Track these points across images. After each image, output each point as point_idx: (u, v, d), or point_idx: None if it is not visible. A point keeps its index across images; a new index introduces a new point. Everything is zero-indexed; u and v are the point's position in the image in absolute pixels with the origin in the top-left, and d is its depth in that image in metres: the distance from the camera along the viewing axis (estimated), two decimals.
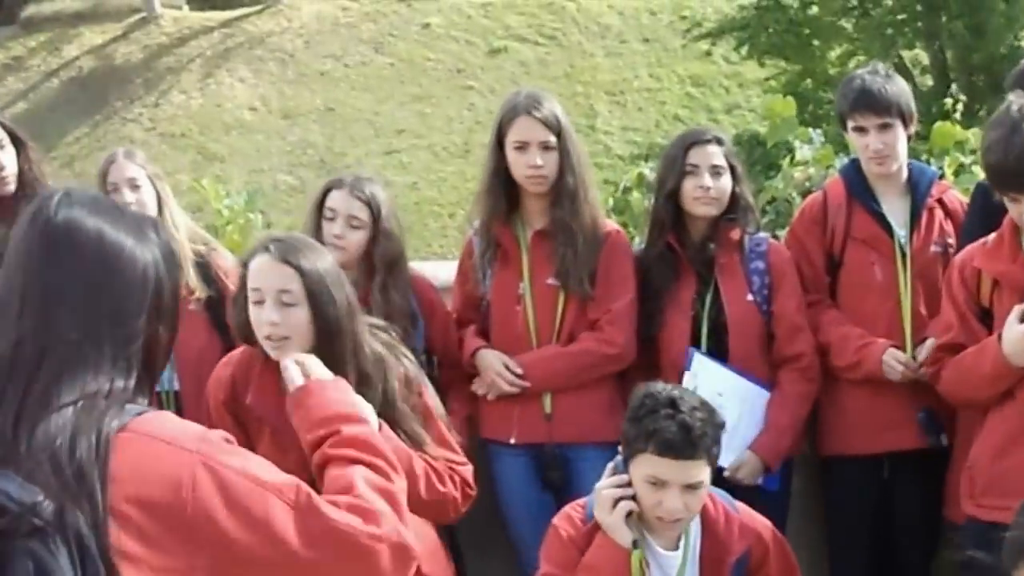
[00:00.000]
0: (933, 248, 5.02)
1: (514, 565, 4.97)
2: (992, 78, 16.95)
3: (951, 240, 5.04)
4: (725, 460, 4.61)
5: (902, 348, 4.93)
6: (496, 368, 4.95)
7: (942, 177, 5.42)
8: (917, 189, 5.07)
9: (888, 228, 5.02)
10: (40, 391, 2.17)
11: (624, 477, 3.91)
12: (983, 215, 4.85)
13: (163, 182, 5.19)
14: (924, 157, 6.57)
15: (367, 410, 2.86)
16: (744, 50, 20.59)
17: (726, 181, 4.94)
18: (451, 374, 5.06)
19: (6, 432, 2.14)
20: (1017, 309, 4.20)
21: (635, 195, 7.31)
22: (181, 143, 22.17)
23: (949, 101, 7.24)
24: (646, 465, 3.83)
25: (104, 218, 2.31)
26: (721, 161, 4.94)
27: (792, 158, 6.87)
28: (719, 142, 4.99)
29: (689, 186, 4.92)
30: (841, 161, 6.59)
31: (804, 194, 6.55)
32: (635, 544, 3.87)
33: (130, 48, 24.48)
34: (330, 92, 23.21)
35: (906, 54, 19.76)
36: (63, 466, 2.11)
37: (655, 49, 23.82)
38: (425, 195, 20.90)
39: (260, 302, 3.71)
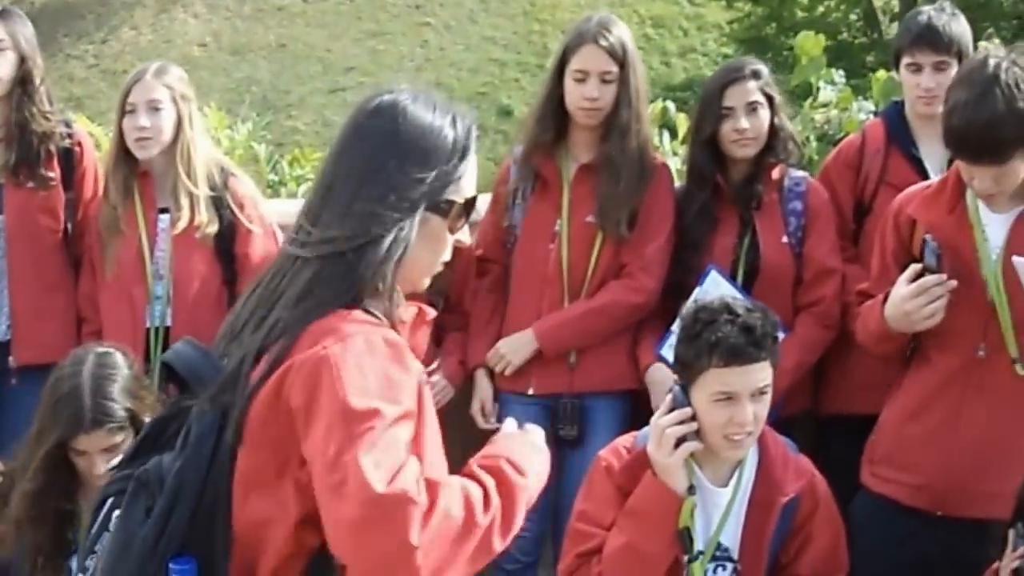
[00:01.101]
0: None
1: None
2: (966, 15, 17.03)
3: None
4: None
5: None
6: (475, 406, 4.98)
7: None
8: None
9: (925, 175, 4.86)
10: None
11: (687, 411, 3.78)
12: None
13: (191, 104, 5.02)
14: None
15: (541, 474, 2.90)
16: None
17: (764, 116, 4.86)
18: (452, 318, 5.04)
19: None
20: (911, 269, 4.09)
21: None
22: (121, 80, 21.31)
23: None
24: (714, 381, 3.75)
25: None
26: (758, 96, 4.85)
27: (814, 99, 6.71)
28: (756, 75, 4.89)
29: (727, 128, 4.84)
30: (860, 104, 6.50)
31: (820, 137, 6.47)
32: (691, 489, 3.79)
33: None
34: (284, 28, 23.13)
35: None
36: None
37: None
38: None
39: None
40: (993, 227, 4.12)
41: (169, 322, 4.92)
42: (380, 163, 2.74)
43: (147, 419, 3.53)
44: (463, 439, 3.37)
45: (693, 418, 3.79)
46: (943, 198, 4.18)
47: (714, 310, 3.80)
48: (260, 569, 2.67)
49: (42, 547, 3.80)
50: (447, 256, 2.88)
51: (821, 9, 20.49)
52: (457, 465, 2.77)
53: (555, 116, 4.87)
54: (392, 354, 2.63)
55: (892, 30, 19.58)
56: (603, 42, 4.76)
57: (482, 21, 23.29)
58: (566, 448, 4.82)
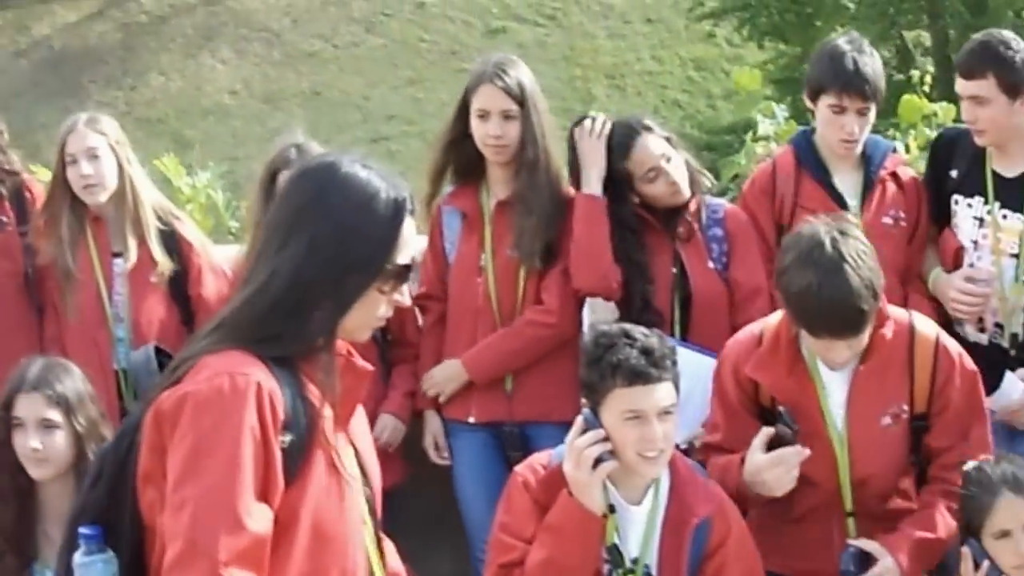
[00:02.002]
0: (884, 220, 5.21)
1: (464, 553, 5.18)
2: None
3: (903, 214, 5.24)
4: (679, 436, 4.70)
5: None
6: (428, 440, 5.36)
7: (895, 151, 5.57)
8: (871, 162, 5.24)
9: (839, 199, 5.17)
10: None
11: (601, 432, 4.03)
12: (934, 170, 5.29)
13: (127, 149, 5.33)
14: (891, 132, 6.76)
15: None
16: (745, 31, 20.72)
17: (677, 161, 5.15)
18: (399, 352, 5.39)
19: None
20: (763, 435, 4.30)
21: None
22: (157, 129, 21.93)
23: (916, 73, 7.26)
24: (619, 401, 4.01)
25: None
26: (665, 148, 5.15)
27: (755, 133, 7.01)
28: (649, 129, 5.18)
29: (645, 186, 5.16)
30: None
31: None
32: (611, 508, 4.05)
33: (106, 26, 24.40)
34: (317, 75, 23.33)
35: (908, 35, 19.93)
36: None
37: (658, 30, 24.01)
38: (415, 185, 20.78)
39: None
40: (833, 385, 4.40)
41: None
42: (309, 224, 2.97)
43: (83, 424, 4.26)
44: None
45: (607, 439, 4.02)
46: (779, 359, 4.40)
47: (613, 335, 4.08)
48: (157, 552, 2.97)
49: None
50: (386, 313, 3.10)
51: None
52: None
53: (469, 155, 5.23)
54: (237, 403, 2.89)
55: (927, 64, 19.65)
56: (499, 82, 5.12)
57: None
58: None
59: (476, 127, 5.14)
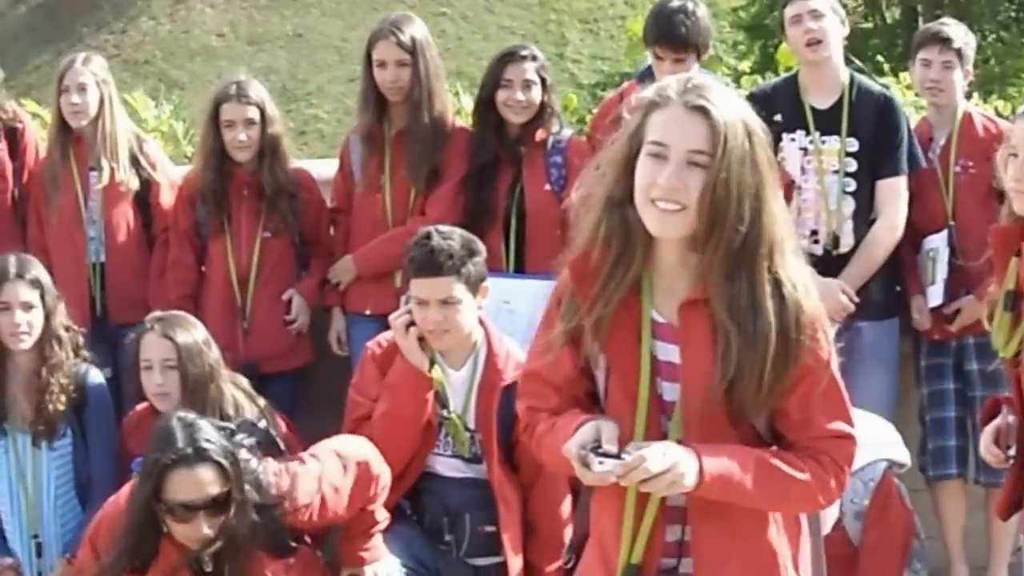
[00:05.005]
0: None
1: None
2: (957, 11, 17.73)
3: None
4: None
5: None
6: (332, 335, 6.42)
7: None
8: None
9: None
10: None
11: (408, 307, 5.13)
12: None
13: (110, 87, 6.51)
14: None
15: None
16: None
17: (536, 93, 6.17)
18: (314, 249, 6.49)
19: None
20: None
21: None
22: (143, 70, 22.52)
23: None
24: (413, 288, 5.07)
25: None
26: (533, 76, 6.17)
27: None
28: (533, 58, 6.22)
29: (503, 97, 6.15)
30: None
31: None
32: (432, 363, 5.07)
33: None
34: (300, 18, 24.01)
35: None
36: None
37: None
38: None
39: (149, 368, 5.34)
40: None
41: (103, 258, 6.45)
42: None
43: (49, 304, 5.46)
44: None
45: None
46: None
47: (423, 234, 5.11)
48: None
49: None
50: None
51: None
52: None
53: (376, 94, 6.26)
54: None
55: (895, 15, 20.31)
56: (392, 38, 6.17)
57: (498, 11, 24.12)
58: None
59: (376, 73, 6.19)
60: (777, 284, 3.19)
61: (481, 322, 5.26)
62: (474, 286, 5.12)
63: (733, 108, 3.18)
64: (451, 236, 5.10)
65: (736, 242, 3.15)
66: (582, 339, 3.32)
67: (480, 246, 5.22)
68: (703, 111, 3.14)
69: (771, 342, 3.16)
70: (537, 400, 3.44)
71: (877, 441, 5.23)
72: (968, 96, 6.86)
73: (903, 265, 6.30)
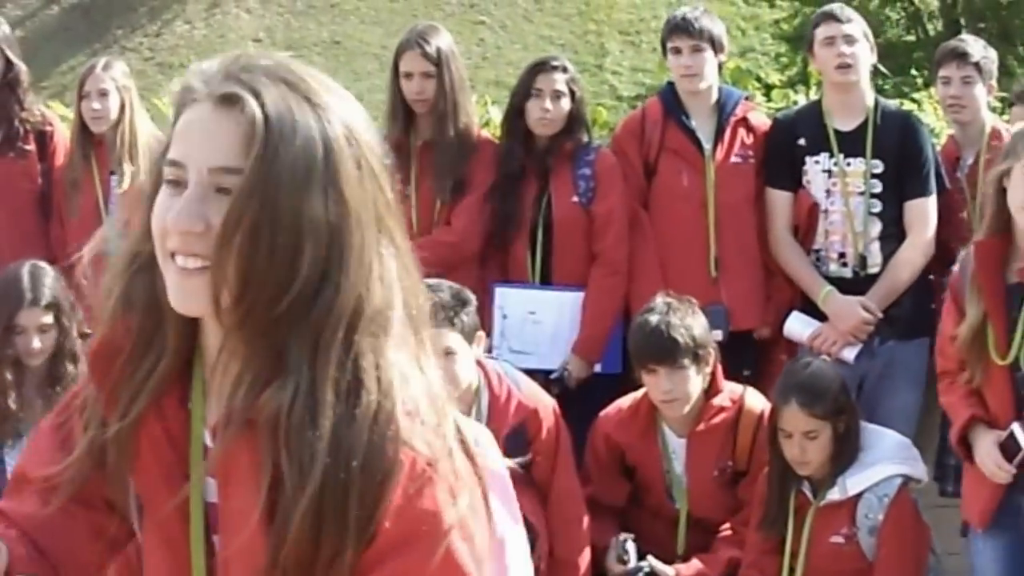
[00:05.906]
0: (734, 159, 6.29)
1: None
2: (1000, 24, 17.69)
3: (751, 152, 6.34)
4: (553, 363, 5.97)
5: (704, 244, 6.19)
6: None
7: (749, 99, 6.70)
8: (724, 108, 6.33)
9: (697, 142, 6.24)
10: None
11: None
12: (782, 146, 6.32)
13: (131, 92, 6.64)
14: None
15: None
16: None
17: (565, 104, 6.18)
18: None
19: None
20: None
21: None
22: (179, 73, 22.07)
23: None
24: None
25: None
26: (563, 87, 6.18)
27: None
28: (564, 70, 6.25)
29: (532, 107, 6.18)
30: None
31: None
32: None
33: None
34: (338, 25, 23.89)
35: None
36: None
37: None
38: None
39: None
40: (677, 451, 5.55)
41: None
42: None
43: (67, 320, 5.38)
44: None
45: None
46: (636, 425, 5.56)
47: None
48: None
49: None
50: None
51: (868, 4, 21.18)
52: None
53: (403, 105, 6.27)
54: None
55: (937, 27, 20.25)
56: (418, 49, 6.21)
57: (537, 20, 24.10)
58: None
59: (403, 84, 6.23)
60: (358, 384, 2.02)
61: (479, 363, 5.25)
62: (469, 335, 5.09)
63: (299, 98, 2.04)
64: (440, 288, 4.98)
65: (284, 314, 2.02)
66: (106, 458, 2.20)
67: (469, 295, 5.17)
68: (234, 102, 2.02)
69: (329, 485, 1.96)
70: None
71: (892, 456, 5.30)
72: (1000, 112, 6.84)
73: (933, 285, 6.29)
